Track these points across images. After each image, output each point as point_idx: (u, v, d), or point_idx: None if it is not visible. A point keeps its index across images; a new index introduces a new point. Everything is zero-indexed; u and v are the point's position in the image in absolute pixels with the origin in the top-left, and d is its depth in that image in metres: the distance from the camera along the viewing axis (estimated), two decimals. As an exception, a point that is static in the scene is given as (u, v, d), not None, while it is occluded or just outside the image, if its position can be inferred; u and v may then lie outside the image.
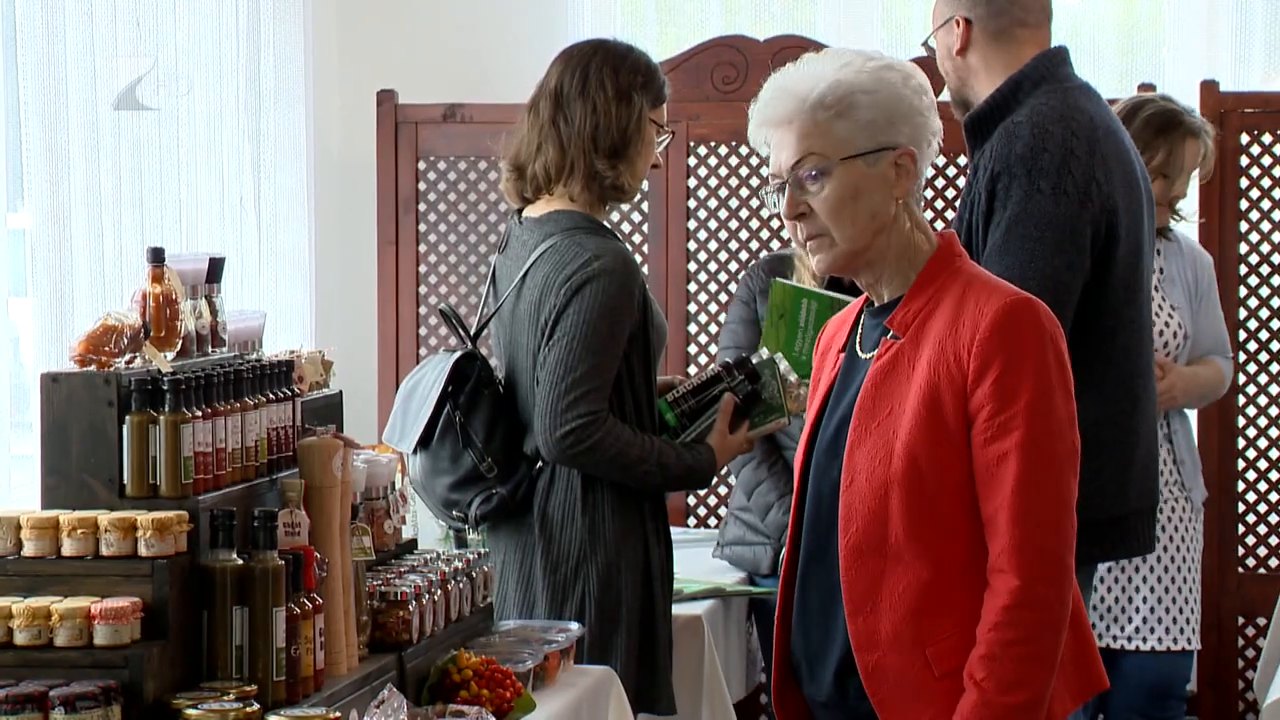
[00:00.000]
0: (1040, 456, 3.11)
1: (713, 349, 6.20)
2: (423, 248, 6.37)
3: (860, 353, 3.29)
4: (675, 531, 4.74)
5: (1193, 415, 5.71)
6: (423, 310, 6.36)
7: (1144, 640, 5.32)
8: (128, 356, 3.36)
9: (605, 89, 4.44)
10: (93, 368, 3.33)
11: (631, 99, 4.46)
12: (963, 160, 6.16)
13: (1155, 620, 5.33)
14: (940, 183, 6.32)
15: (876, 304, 3.28)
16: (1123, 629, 5.33)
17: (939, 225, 6.13)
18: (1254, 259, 6.13)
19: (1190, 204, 6.04)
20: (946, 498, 3.13)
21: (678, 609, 4.89)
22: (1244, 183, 6.14)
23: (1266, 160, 6.14)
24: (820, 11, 6.81)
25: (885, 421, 3.16)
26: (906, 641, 3.13)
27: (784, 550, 3.38)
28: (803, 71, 3.22)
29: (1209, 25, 6.59)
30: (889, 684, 3.14)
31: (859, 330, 3.33)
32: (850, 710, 3.21)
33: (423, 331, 6.38)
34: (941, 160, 6.17)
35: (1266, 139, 6.13)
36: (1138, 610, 5.33)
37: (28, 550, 3.22)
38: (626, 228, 6.34)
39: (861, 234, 3.19)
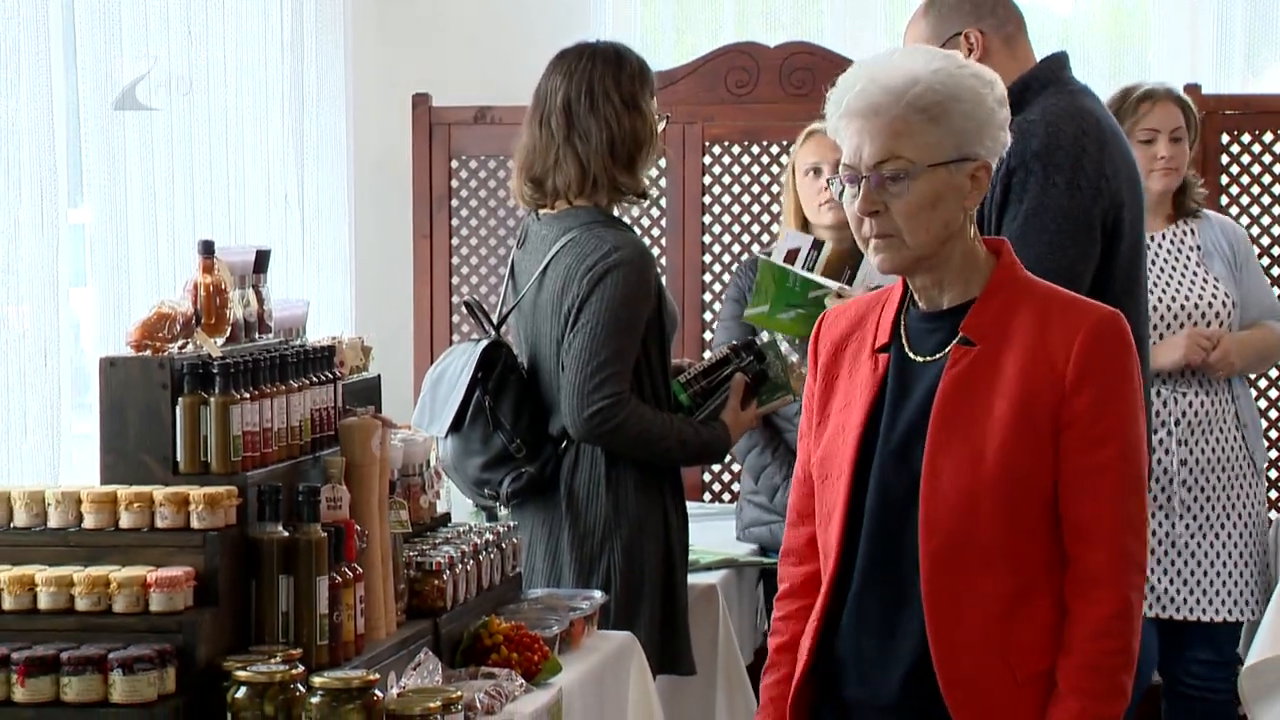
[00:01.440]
0: (1133, 469, 2.98)
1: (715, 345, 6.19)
2: (455, 241, 6.38)
3: (914, 355, 3.07)
4: (691, 506, 4.76)
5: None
6: (455, 299, 6.36)
7: (1204, 613, 5.27)
8: (180, 342, 3.36)
9: (613, 101, 4.43)
10: (148, 353, 3.33)
11: (639, 106, 4.45)
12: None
13: (1226, 593, 5.28)
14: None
15: (926, 307, 3.08)
16: (1186, 602, 5.28)
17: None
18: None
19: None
20: (1033, 504, 2.97)
21: (695, 578, 4.91)
22: (1224, 179, 6.13)
23: (1245, 158, 6.14)
24: (827, 20, 6.79)
25: (971, 428, 2.97)
26: (990, 648, 2.96)
27: (829, 556, 3.09)
28: (895, 67, 2.99)
29: (1192, 32, 6.57)
30: (971, 691, 2.96)
31: (902, 332, 3.10)
32: (918, 713, 3.02)
33: (455, 319, 6.38)
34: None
35: (1245, 138, 6.13)
36: (1200, 583, 5.28)
37: (88, 523, 3.22)
38: (646, 222, 6.33)
39: (933, 240, 2.99)
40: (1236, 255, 5.43)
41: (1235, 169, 6.13)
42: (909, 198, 2.97)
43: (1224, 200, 6.11)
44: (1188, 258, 5.34)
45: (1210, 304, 5.32)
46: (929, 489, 2.97)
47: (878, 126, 2.96)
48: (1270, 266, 6.10)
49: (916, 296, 3.09)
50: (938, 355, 3.04)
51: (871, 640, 3.04)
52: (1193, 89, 6.10)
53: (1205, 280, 5.35)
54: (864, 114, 2.97)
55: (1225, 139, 6.12)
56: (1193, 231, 5.36)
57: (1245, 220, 6.10)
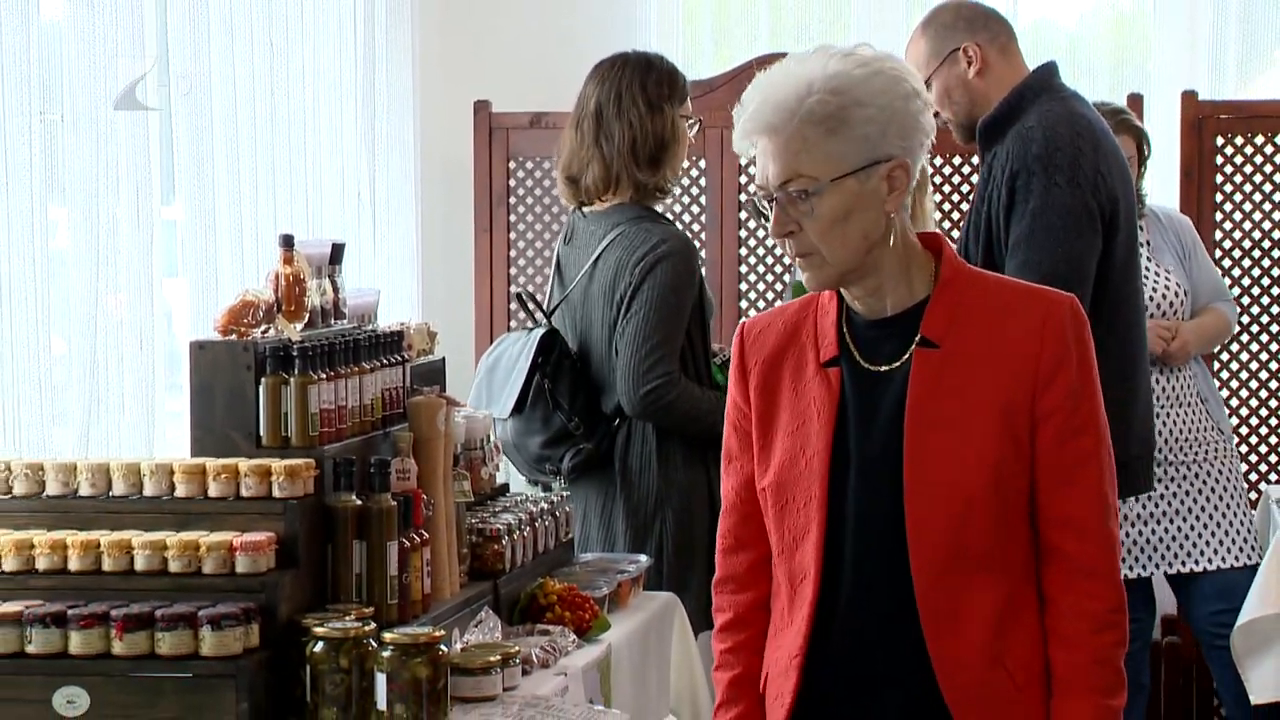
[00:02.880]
0: (1108, 454, 2.69)
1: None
2: (512, 235, 6.37)
3: (868, 365, 2.68)
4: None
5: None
6: (512, 289, 6.36)
7: (1210, 561, 5.29)
8: (263, 327, 3.37)
9: (638, 105, 4.42)
10: (234, 337, 3.34)
11: (662, 110, 4.44)
12: (958, 160, 6.13)
13: (1218, 542, 5.29)
14: (937, 180, 6.27)
15: (869, 315, 2.69)
16: (1190, 554, 5.29)
17: (945, 224, 6.09)
18: (1227, 244, 6.08)
19: (1169, 198, 6.04)
20: (1018, 505, 2.64)
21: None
22: (1219, 178, 6.09)
23: (1238, 159, 6.09)
24: (853, 32, 6.76)
25: (948, 435, 2.62)
26: (990, 656, 2.64)
27: (806, 581, 2.69)
28: (789, 78, 2.60)
29: (1189, 42, 6.53)
30: (975, 702, 2.64)
31: (849, 342, 2.71)
32: None
33: (513, 307, 6.37)
34: (939, 160, 6.13)
35: (1239, 140, 6.08)
36: (1201, 535, 5.29)
37: (180, 492, 3.23)
38: (687, 218, 6.32)
39: (853, 253, 2.62)
40: (1184, 245, 5.47)
41: (1229, 169, 6.09)
42: (818, 215, 2.60)
43: (1218, 197, 6.07)
44: (1139, 254, 5.34)
45: (1165, 295, 5.35)
46: (914, 501, 2.62)
47: (777, 146, 2.60)
48: (1261, 259, 6.07)
49: (854, 305, 2.71)
50: (897, 362, 2.67)
51: (873, 665, 2.68)
52: (1189, 95, 6.08)
53: (1158, 274, 5.37)
54: (762, 133, 2.61)
55: (1220, 141, 6.08)
56: (1142, 228, 5.35)
57: (1238, 216, 6.07)
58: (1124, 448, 4.34)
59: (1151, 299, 5.28)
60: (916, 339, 2.66)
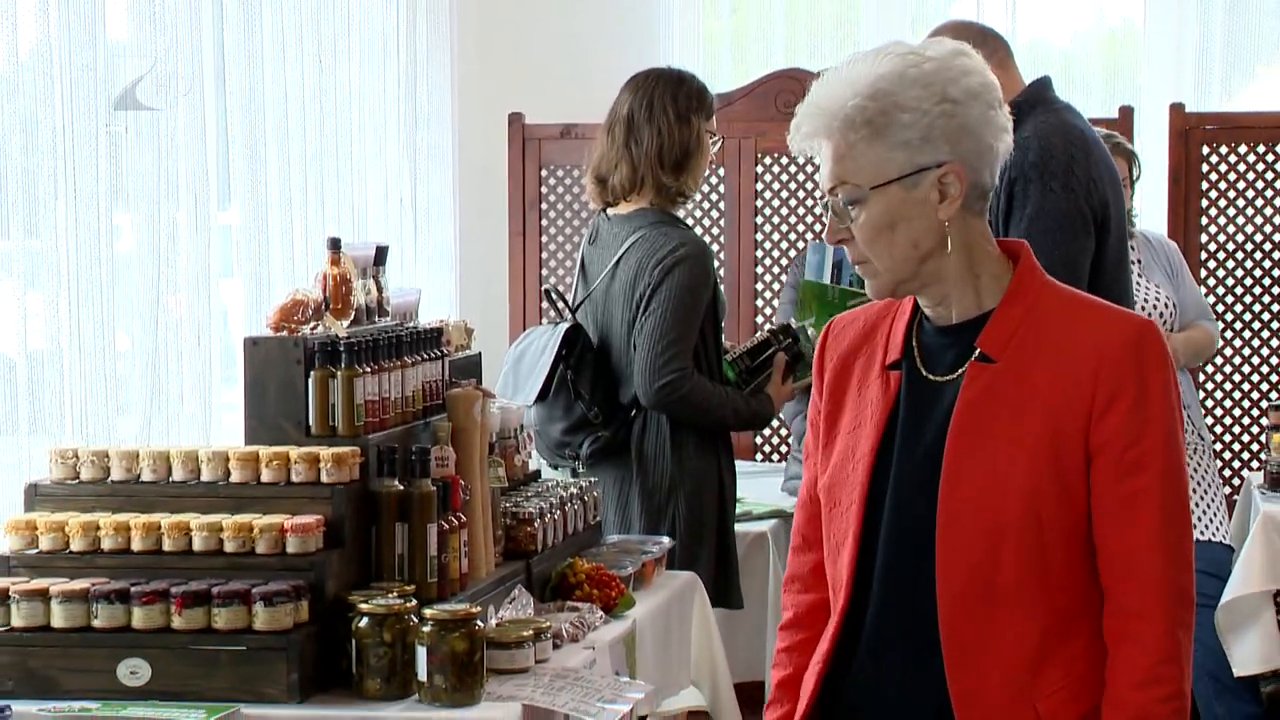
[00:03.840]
0: (1176, 492, 2.31)
1: (776, 321, 6.19)
2: (544, 238, 6.38)
3: (928, 374, 2.41)
4: (744, 464, 4.79)
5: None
6: (544, 288, 6.36)
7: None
8: (312, 324, 3.37)
9: (668, 114, 4.43)
10: (284, 333, 3.34)
11: (690, 120, 4.44)
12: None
13: (1195, 518, 5.29)
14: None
15: (937, 322, 2.41)
16: None
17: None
18: (1212, 246, 6.07)
19: (1157, 205, 6.03)
20: (1064, 540, 2.30)
21: (748, 527, 4.93)
22: (1204, 184, 6.07)
23: (1223, 167, 6.07)
24: (864, 49, 6.74)
25: (991, 456, 2.31)
26: (1016, 697, 2.30)
27: (839, 591, 2.45)
28: (837, 82, 2.35)
29: (1177, 58, 6.52)
30: None
31: (915, 348, 2.43)
32: None
33: (544, 305, 6.37)
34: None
35: (1223, 149, 6.07)
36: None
37: (234, 477, 3.24)
38: (706, 222, 6.32)
39: (903, 263, 2.35)
40: (1172, 265, 5.49)
41: (1214, 176, 6.08)
42: (862, 224, 2.34)
43: (1204, 203, 6.06)
44: (1131, 270, 5.35)
45: (1155, 307, 5.36)
46: (946, 525, 2.32)
47: (827, 151, 2.35)
48: (1244, 260, 6.05)
49: (926, 311, 2.44)
50: (954, 374, 2.38)
51: (890, 689, 2.39)
52: (1177, 107, 6.07)
53: (1148, 288, 5.38)
54: (814, 137, 2.37)
55: (1205, 150, 6.07)
56: (1133, 248, 5.36)
57: (1222, 220, 6.05)
58: None
59: (1142, 309, 5.30)
60: (975, 353, 2.37)
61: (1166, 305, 5.37)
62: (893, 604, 2.38)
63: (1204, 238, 6.05)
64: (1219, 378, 6.09)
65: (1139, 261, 5.39)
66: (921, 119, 2.31)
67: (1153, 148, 6.00)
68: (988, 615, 2.31)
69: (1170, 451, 2.30)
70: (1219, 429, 6.09)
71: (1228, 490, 5.90)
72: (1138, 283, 5.34)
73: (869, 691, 2.41)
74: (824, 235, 2.42)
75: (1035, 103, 4.37)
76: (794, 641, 2.58)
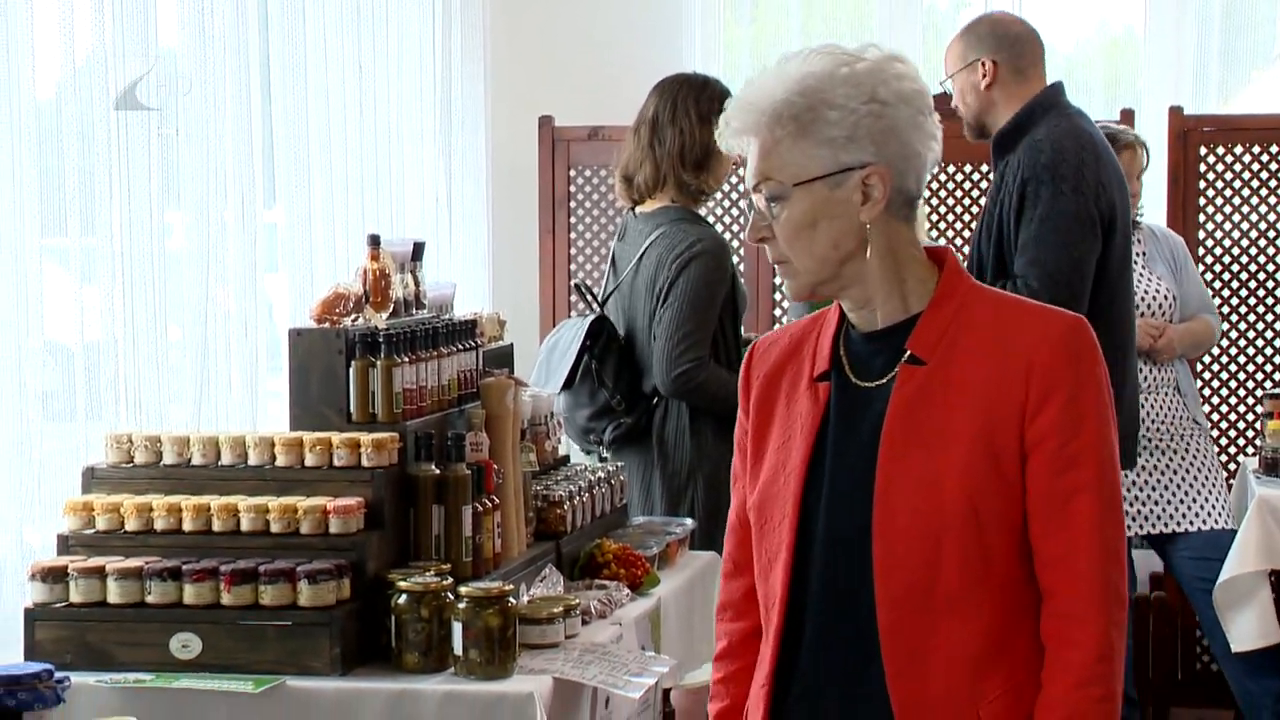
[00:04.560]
0: (1110, 489, 2.16)
1: (789, 316, 6.18)
2: (572, 235, 6.37)
3: (858, 380, 2.23)
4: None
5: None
6: (572, 283, 6.36)
7: (1190, 524, 5.28)
8: (353, 316, 3.38)
9: (690, 116, 4.43)
10: (327, 325, 3.35)
11: (711, 122, 4.42)
12: (968, 168, 6.10)
13: (1198, 507, 5.28)
14: (951, 187, 6.23)
15: (863, 328, 2.25)
16: (1171, 517, 5.28)
17: (957, 225, 6.05)
18: (1209, 243, 6.03)
19: (1157, 202, 6.00)
20: (1005, 539, 2.15)
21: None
22: (1202, 184, 6.05)
23: (1219, 167, 6.04)
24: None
25: (926, 458, 2.15)
26: (959, 703, 2.14)
27: (774, 608, 2.24)
28: (768, 79, 2.21)
29: (1176, 62, 6.48)
30: None
31: (843, 357, 2.25)
32: None
33: (572, 299, 6.37)
34: (951, 169, 6.10)
35: (1219, 150, 6.04)
36: (1182, 501, 5.28)
37: (279, 462, 3.25)
38: (728, 219, 6.30)
39: (822, 263, 2.19)
40: (1176, 259, 5.45)
41: (1211, 175, 6.05)
42: (784, 221, 2.18)
43: (1201, 201, 6.03)
44: (1135, 262, 5.33)
45: (1155, 298, 5.32)
46: (882, 530, 2.14)
47: (753, 148, 2.21)
48: (1239, 256, 6.03)
49: (851, 318, 2.26)
50: (884, 379, 2.21)
51: (832, 703, 2.21)
52: (1175, 110, 6.04)
53: (1150, 279, 5.34)
54: (743, 134, 2.23)
55: (1203, 151, 6.04)
56: (1139, 240, 5.34)
57: (1219, 218, 6.03)
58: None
59: (1144, 300, 5.28)
60: (905, 355, 2.21)
61: (1167, 297, 5.35)
62: (830, 615, 2.20)
63: (1201, 234, 6.03)
64: (1215, 368, 6.06)
65: (1144, 254, 5.36)
66: (848, 117, 2.16)
67: (1153, 149, 5.95)
68: (929, 621, 2.14)
69: (1103, 447, 2.17)
70: (1215, 416, 6.06)
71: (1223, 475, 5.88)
72: (1141, 275, 5.31)
73: (812, 706, 2.22)
74: (744, 234, 2.23)
75: (1049, 107, 4.35)
76: (729, 672, 2.39)
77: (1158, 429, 5.28)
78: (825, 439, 2.23)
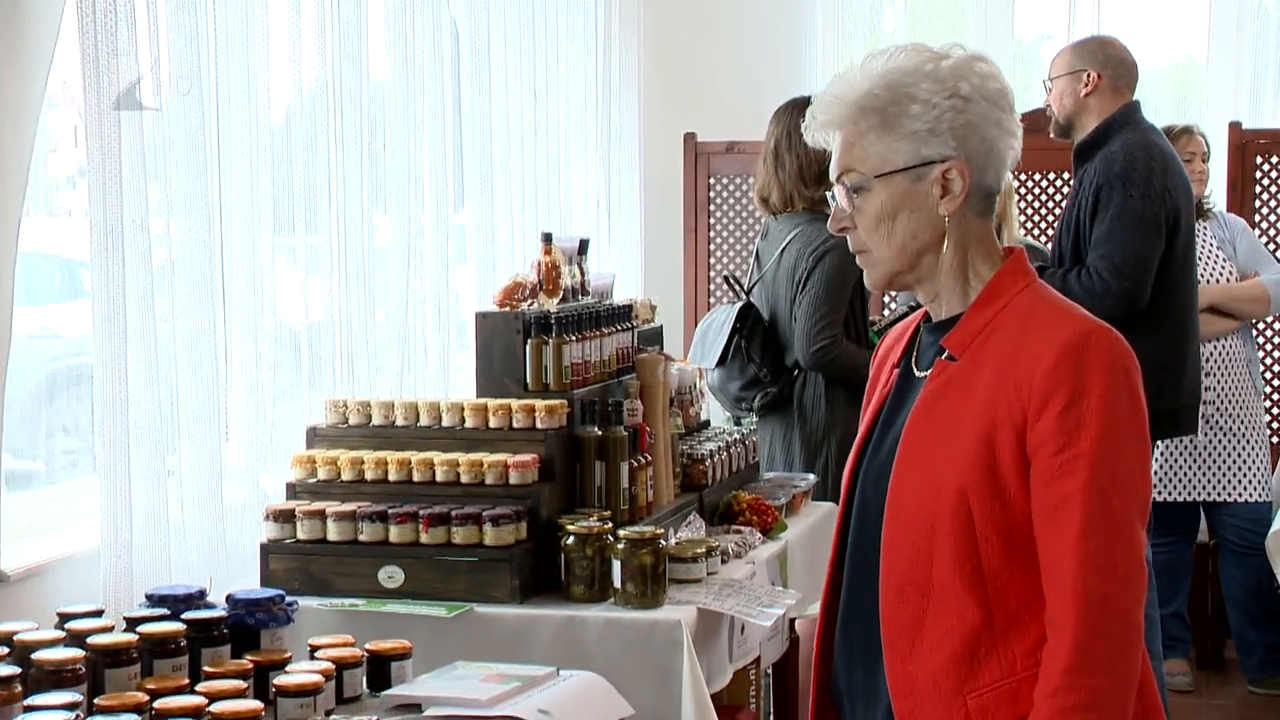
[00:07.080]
0: (1106, 501, 1.84)
1: (898, 300, 6.10)
2: (712, 234, 6.34)
3: (916, 370, 2.02)
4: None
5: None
6: (711, 275, 6.33)
7: (1238, 495, 5.20)
8: (529, 302, 3.38)
9: (802, 139, 4.37)
10: (507, 309, 3.36)
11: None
12: (1051, 175, 5.96)
13: (1245, 479, 5.17)
14: (1036, 191, 6.09)
15: (933, 319, 2.03)
16: (1222, 486, 5.18)
17: (1034, 234, 5.92)
18: (1263, 240, 5.86)
19: (1219, 205, 5.83)
20: (998, 541, 1.88)
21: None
22: (1258, 189, 5.87)
23: (1274, 174, 5.87)
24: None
25: (936, 450, 1.92)
26: (946, 689, 1.90)
27: (824, 583, 2.11)
28: (852, 74, 1.98)
29: (1234, 81, 6.30)
30: None
31: (916, 346, 2.05)
32: None
33: (711, 288, 6.35)
34: (1036, 175, 5.96)
35: (1275, 159, 5.86)
36: (1232, 472, 5.17)
37: (468, 424, 3.26)
38: (843, 220, 6.23)
39: (900, 254, 1.97)
40: (1234, 236, 5.35)
41: (1266, 181, 5.87)
42: (864, 212, 1.97)
43: (1257, 204, 5.85)
44: (1209, 244, 5.28)
45: (1216, 273, 5.25)
46: (890, 516, 1.95)
47: (838, 140, 1.99)
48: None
49: (929, 309, 2.06)
50: (929, 371, 1.99)
51: (858, 674, 2.02)
52: (1235, 124, 5.87)
53: (1215, 255, 5.26)
54: (829, 127, 2.01)
55: (1259, 160, 5.86)
56: (1206, 229, 5.27)
57: (1273, 218, 5.84)
58: (1175, 398, 4.27)
59: (1214, 280, 5.22)
60: (943, 351, 1.98)
61: (1231, 274, 5.26)
62: (857, 592, 2.01)
63: (1257, 232, 5.85)
64: (1270, 347, 5.87)
65: (1214, 237, 5.29)
66: (930, 112, 1.92)
67: (1213, 159, 5.79)
68: (921, 604, 1.91)
69: (1100, 456, 1.84)
70: (1268, 389, 5.88)
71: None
72: (1211, 253, 5.24)
73: (846, 677, 2.04)
74: (828, 223, 2.04)
75: (1125, 123, 4.32)
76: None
77: (1225, 400, 5.19)
78: (878, 423, 2.05)
